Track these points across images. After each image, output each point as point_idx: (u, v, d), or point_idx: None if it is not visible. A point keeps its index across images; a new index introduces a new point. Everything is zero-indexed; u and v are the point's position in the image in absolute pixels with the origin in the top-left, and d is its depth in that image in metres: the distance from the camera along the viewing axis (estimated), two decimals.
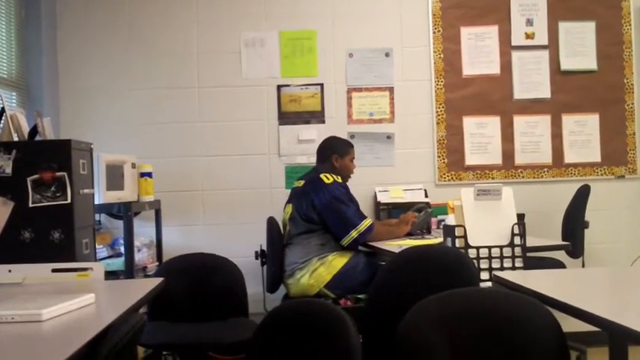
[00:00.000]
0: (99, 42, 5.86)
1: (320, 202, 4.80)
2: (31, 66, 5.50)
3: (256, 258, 5.10)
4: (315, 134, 5.76)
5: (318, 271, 4.70)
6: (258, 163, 5.86)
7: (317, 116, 5.94)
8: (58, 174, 3.48)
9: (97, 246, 4.26)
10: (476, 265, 3.73)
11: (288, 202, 5.03)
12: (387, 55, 6.02)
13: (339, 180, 4.91)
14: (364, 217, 4.83)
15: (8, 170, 3.47)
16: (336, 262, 4.72)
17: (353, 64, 6.01)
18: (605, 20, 6.11)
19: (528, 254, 3.94)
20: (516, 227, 3.91)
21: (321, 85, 5.97)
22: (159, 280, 2.99)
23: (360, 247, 4.84)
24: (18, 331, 2.07)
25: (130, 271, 4.78)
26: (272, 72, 5.96)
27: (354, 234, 4.71)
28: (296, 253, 4.82)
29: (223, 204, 5.84)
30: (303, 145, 5.63)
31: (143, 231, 5.42)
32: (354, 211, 4.83)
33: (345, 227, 4.74)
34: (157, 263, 5.31)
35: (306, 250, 4.77)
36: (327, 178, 4.87)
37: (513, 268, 3.86)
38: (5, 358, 1.81)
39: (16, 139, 3.64)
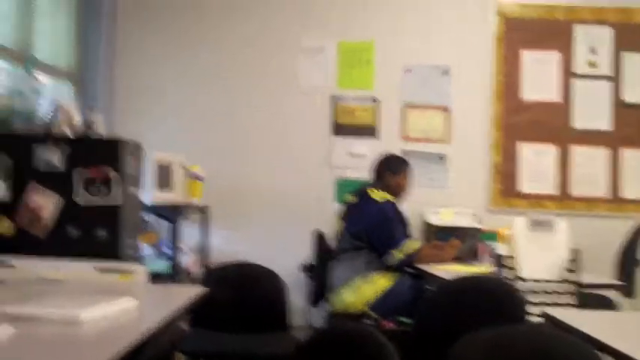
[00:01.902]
0: (158, 40, 5.87)
1: (369, 220, 4.73)
2: (88, 59, 5.53)
3: (301, 270, 5.05)
4: (367, 149, 5.69)
5: (362, 289, 4.62)
6: (309, 173, 5.82)
7: (370, 131, 5.88)
8: (108, 172, 3.45)
9: (142, 245, 4.24)
10: (525, 299, 3.64)
11: (340, 217, 4.96)
12: (445, 73, 5.94)
13: (391, 199, 4.83)
14: (412, 239, 4.75)
15: (59, 164, 3.45)
16: (381, 282, 4.64)
17: (409, 80, 5.94)
18: None
19: (580, 290, 3.83)
20: (570, 262, 3.80)
21: (376, 99, 5.89)
22: (203, 289, 2.96)
23: (406, 269, 4.76)
24: (56, 331, 2.07)
25: (174, 273, 4.76)
26: (328, 81, 5.91)
27: (399, 255, 4.62)
28: (342, 270, 4.75)
29: (271, 212, 5.80)
30: (355, 159, 5.56)
31: (189, 233, 5.39)
32: (402, 232, 4.77)
33: (391, 248, 4.66)
34: (202, 267, 5.27)
35: (352, 267, 4.70)
36: (379, 195, 4.80)
37: (564, 304, 3.75)
38: (41, 359, 1.79)
39: (67, 133, 3.61)
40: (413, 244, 4.70)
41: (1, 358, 1.77)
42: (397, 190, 4.99)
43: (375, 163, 5.11)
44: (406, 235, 4.80)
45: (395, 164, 5.07)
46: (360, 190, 4.98)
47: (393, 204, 4.85)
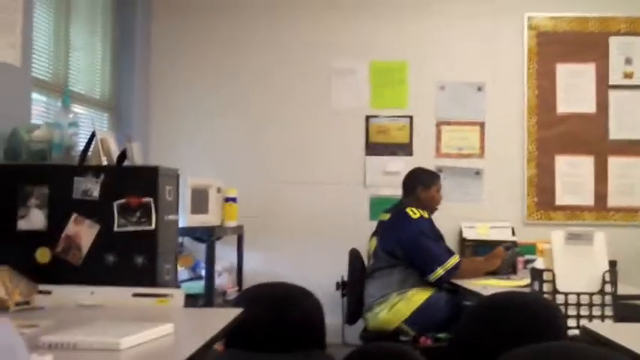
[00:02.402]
0: (191, 66, 5.95)
1: (406, 237, 4.72)
2: (123, 88, 5.63)
3: (337, 289, 5.06)
4: (401, 166, 5.68)
5: (398, 306, 4.61)
6: (343, 193, 5.85)
7: (404, 148, 5.89)
8: (144, 200, 3.50)
9: (178, 268, 4.28)
10: (564, 311, 3.61)
11: (374, 234, 4.96)
12: (479, 89, 5.95)
13: (426, 215, 4.82)
14: (452, 254, 4.75)
15: (96, 194, 3.50)
16: (416, 297, 4.63)
17: (443, 97, 5.95)
18: None
19: (619, 302, 3.79)
20: (607, 274, 3.76)
21: (411, 117, 5.92)
22: (238, 310, 2.97)
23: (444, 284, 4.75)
24: (96, 359, 2.06)
25: (209, 295, 4.80)
26: (361, 102, 5.95)
27: (440, 271, 4.59)
28: (376, 287, 4.75)
29: (306, 232, 5.83)
30: (389, 176, 5.56)
31: (225, 255, 5.45)
32: (441, 247, 4.76)
33: (432, 263, 4.63)
34: (237, 288, 5.32)
35: (387, 284, 4.68)
36: (414, 212, 4.78)
37: (603, 317, 3.71)
38: None
39: (105, 162, 3.67)
40: (453, 259, 4.66)
41: None
42: (430, 204, 4.96)
43: (405, 178, 5.08)
44: (448, 251, 4.79)
45: (426, 178, 5.02)
46: (394, 208, 4.98)
47: (429, 220, 4.83)
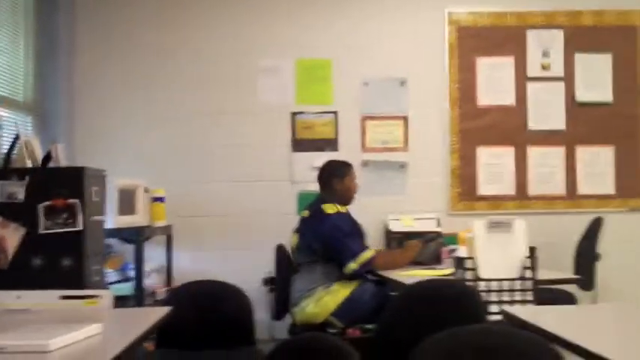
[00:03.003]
0: (116, 66, 5.91)
1: (322, 233, 4.78)
2: (47, 90, 5.55)
3: (264, 284, 5.10)
4: None
5: (324, 300, 4.67)
6: (271, 190, 5.88)
7: (331, 144, 5.96)
8: (70, 201, 3.50)
9: (106, 270, 4.27)
10: (486, 298, 3.72)
11: (295, 231, 5.01)
12: (402, 84, 6.04)
13: (343, 210, 4.89)
14: (365, 248, 4.78)
15: (21, 196, 3.49)
16: (342, 290, 4.70)
17: (368, 93, 6.03)
18: (622, 53, 6.12)
19: (540, 287, 3.92)
20: (527, 260, 3.89)
21: (336, 112, 5.98)
22: (167, 309, 2.99)
23: (369, 276, 4.82)
24: None
25: (139, 296, 4.80)
26: (287, 99, 5.98)
27: (353, 265, 4.66)
28: (302, 282, 4.81)
29: (235, 230, 5.84)
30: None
31: (154, 256, 5.44)
32: (355, 242, 4.79)
33: (345, 258, 4.70)
34: (167, 288, 5.31)
35: (312, 279, 4.75)
36: (330, 208, 4.84)
37: (524, 301, 3.83)
38: None
39: (29, 165, 3.65)
40: (367, 253, 4.73)
41: None
42: (347, 194, 5.05)
43: (319, 173, 5.15)
44: (362, 245, 4.82)
45: (339, 169, 5.09)
46: (313, 204, 5.04)
47: (345, 214, 4.90)
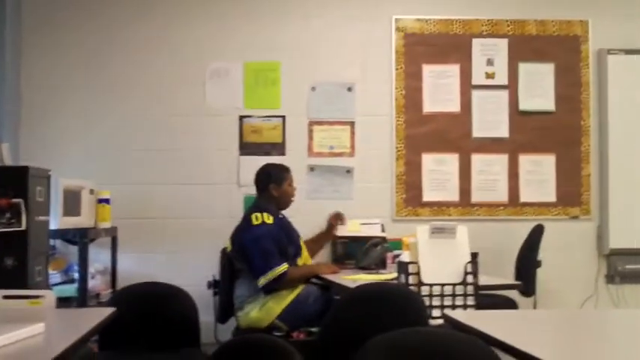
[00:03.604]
0: (63, 65, 5.85)
1: (242, 243, 4.80)
2: None
3: (208, 287, 5.10)
4: None
5: (268, 304, 4.68)
6: (218, 193, 5.88)
7: (278, 148, 5.98)
8: (14, 200, 3.47)
9: (50, 272, 4.25)
10: (428, 302, 3.78)
11: (230, 237, 4.98)
12: (349, 89, 6.08)
13: (269, 221, 4.82)
14: (280, 263, 4.69)
15: None
16: (287, 295, 4.72)
17: (315, 98, 6.06)
18: (565, 62, 6.23)
19: (481, 292, 3.99)
20: (469, 266, 3.95)
21: (283, 117, 6.01)
22: (110, 309, 2.99)
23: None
24: None
25: (83, 297, 4.77)
26: (235, 102, 5.98)
27: (262, 281, 4.65)
28: (244, 287, 4.80)
29: (181, 232, 5.83)
30: None
31: (98, 257, 5.41)
32: (269, 258, 4.70)
33: (256, 273, 4.69)
34: (111, 290, 5.28)
35: (254, 284, 4.72)
36: (257, 218, 4.82)
37: (465, 306, 3.90)
38: None
39: None
40: (279, 269, 4.66)
41: None
42: (283, 199, 5.06)
43: (256, 177, 5.12)
44: (276, 261, 4.71)
45: (276, 174, 5.06)
46: (246, 211, 5.05)
47: (271, 225, 4.83)
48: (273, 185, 5.01)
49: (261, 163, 5.29)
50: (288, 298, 4.71)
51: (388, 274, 4.62)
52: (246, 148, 5.96)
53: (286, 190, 5.06)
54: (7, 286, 3.15)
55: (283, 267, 4.67)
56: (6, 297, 3.01)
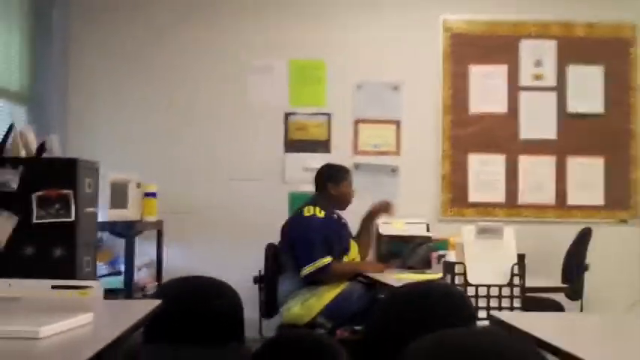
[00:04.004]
0: (111, 59, 5.92)
1: (291, 235, 4.83)
2: (41, 81, 5.54)
3: (255, 283, 5.10)
4: (320, 163, 5.69)
5: (309, 301, 4.67)
6: (263, 189, 5.89)
7: (323, 145, 5.98)
8: (64, 192, 3.50)
9: (97, 263, 4.27)
10: (474, 303, 3.74)
11: (281, 232, 4.99)
12: (395, 88, 6.06)
13: (320, 215, 4.84)
14: (323, 256, 4.68)
15: (14, 185, 3.50)
16: (328, 292, 4.69)
17: (361, 96, 6.05)
18: (614, 65, 6.16)
19: (527, 295, 3.95)
20: (516, 267, 3.91)
21: (329, 114, 6.00)
22: (157, 302, 3.00)
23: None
24: (14, 347, 2.07)
25: (129, 290, 4.81)
26: (280, 100, 6.00)
27: (306, 270, 4.65)
28: (288, 282, 4.80)
29: (225, 227, 5.85)
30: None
31: (144, 250, 5.45)
32: (315, 248, 4.71)
33: (302, 261, 4.69)
34: (156, 283, 5.32)
35: (297, 280, 4.73)
36: (309, 211, 4.85)
37: (511, 308, 3.86)
38: None
39: (23, 154, 3.66)
40: (323, 260, 4.66)
41: None
42: (341, 200, 5.05)
43: (315, 175, 5.13)
44: (322, 252, 4.71)
45: (335, 174, 5.07)
46: (300, 206, 5.03)
47: (322, 219, 4.86)
48: (331, 184, 5.01)
49: (306, 161, 5.31)
50: (329, 294, 4.68)
51: (433, 274, 4.59)
52: (292, 146, 5.97)
53: (344, 190, 5.06)
54: (56, 276, 3.18)
55: (327, 259, 4.67)
56: (55, 287, 3.04)
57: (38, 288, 3.02)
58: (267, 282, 4.99)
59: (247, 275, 5.13)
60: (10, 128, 3.80)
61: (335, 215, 5.02)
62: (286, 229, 4.90)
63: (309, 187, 5.35)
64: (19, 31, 5.35)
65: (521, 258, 3.97)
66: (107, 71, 5.92)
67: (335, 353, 2.57)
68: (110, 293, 4.56)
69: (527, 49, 6.15)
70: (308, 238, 4.72)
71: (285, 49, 6.04)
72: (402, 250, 5.31)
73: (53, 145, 3.83)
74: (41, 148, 3.77)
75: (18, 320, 2.33)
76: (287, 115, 5.99)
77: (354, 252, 5.06)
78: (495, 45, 6.12)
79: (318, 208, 4.86)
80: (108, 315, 2.81)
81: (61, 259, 3.48)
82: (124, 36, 5.94)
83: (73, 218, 3.51)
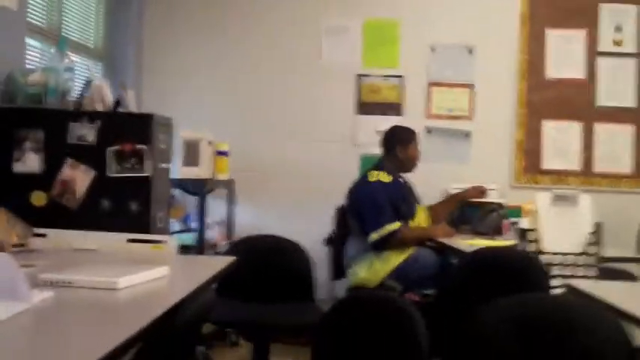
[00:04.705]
0: (184, 18, 5.94)
1: (356, 200, 4.77)
2: (117, 38, 5.62)
3: (326, 244, 5.10)
4: None
5: (375, 265, 4.62)
6: (334, 151, 5.87)
7: (395, 108, 5.92)
8: (139, 146, 3.54)
9: (170, 219, 4.32)
10: (548, 270, 3.69)
11: (346, 196, 4.95)
12: (470, 51, 5.96)
13: (386, 179, 4.75)
14: (392, 221, 4.61)
15: (91, 139, 3.54)
16: (394, 258, 4.62)
17: (435, 59, 5.97)
18: None
19: (602, 265, 3.87)
20: (592, 236, 3.84)
21: (402, 77, 5.94)
22: (231, 258, 3.02)
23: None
24: (95, 297, 2.11)
25: (200, 246, 4.86)
26: (353, 60, 5.95)
27: (374, 236, 4.57)
28: (354, 246, 4.77)
29: (296, 188, 5.86)
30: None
31: (215, 208, 5.50)
32: (382, 214, 4.63)
33: (369, 228, 4.63)
34: (228, 241, 5.36)
35: (364, 244, 4.67)
36: (374, 176, 4.77)
37: (586, 277, 3.79)
38: (82, 323, 1.85)
39: (100, 109, 3.70)
40: (391, 226, 4.58)
41: (43, 321, 1.83)
42: (408, 162, 4.97)
43: (383, 138, 5.05)
44: (390, 217, 4.64)
45: (403, 136, 5.00)
46: (367, 169, 4.97)
47: (388, 184, 4.76)
48: (399, 147, 4.94)
49: (378, 124, 5.26)
50: (395, 259, 4.61)
51: (505, 241, 4.53)
52: (364, 108, 5.93)
53: (412, 153, 4.97)
54: (131, 229, 3.24)
55: (396, 224, 4.60)
56: (130, 240, 3.09)
57: (114, 241, 3.07)
58: (336, 244, 4.98)
59: (316, 236, 5.14)
60: (88, 83, 3.84)
61: (401, 179, 4.97)
62: (351, 196, 4.85)
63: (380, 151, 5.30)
64: None
65: (597, 227, 3.90)
66: (181, 30, 5.95)
67: (409, 314, 2.56)
68: (182, 249, 4.61)
69: (608, 14, 5.97)
70: (375, 204, 4.66)
71: (361, 7, 5.97)
72: (473, 216, 5.25)
73: (129, 100, 3.86)
74: (117, 102, 3.80)
75: (97, 270, 2.36)
76: (359, 77, 5.94)
77: (420, 217, 4.98)
78: (574, 8, 5.96)
79: (383, 173, 4.78)
80: (182, 269, 2.85)
81: (135, 213, 3.52)
82: None
83: (148, 173, 3.54)
